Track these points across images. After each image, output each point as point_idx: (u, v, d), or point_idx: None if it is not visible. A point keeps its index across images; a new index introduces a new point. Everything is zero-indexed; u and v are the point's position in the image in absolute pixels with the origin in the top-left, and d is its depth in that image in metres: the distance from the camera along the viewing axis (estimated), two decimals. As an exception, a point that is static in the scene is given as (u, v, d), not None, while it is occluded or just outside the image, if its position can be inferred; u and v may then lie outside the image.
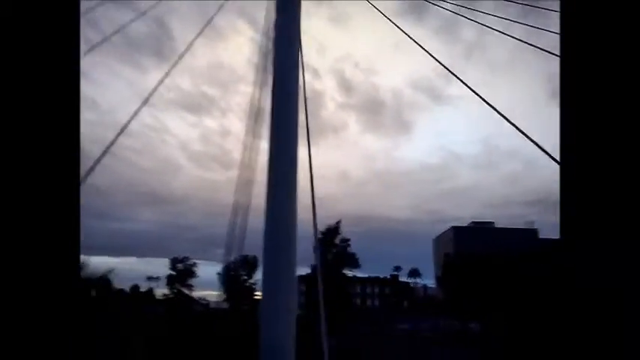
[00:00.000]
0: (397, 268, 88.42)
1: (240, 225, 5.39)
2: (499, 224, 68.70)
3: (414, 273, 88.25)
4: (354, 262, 62.61)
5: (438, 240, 77.37)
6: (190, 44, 6.55)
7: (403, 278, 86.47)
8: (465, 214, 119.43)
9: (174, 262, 62.32)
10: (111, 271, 56.63)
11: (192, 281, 63.00)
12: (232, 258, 5.36)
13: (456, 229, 71.20)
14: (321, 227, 59.63)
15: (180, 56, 6.21)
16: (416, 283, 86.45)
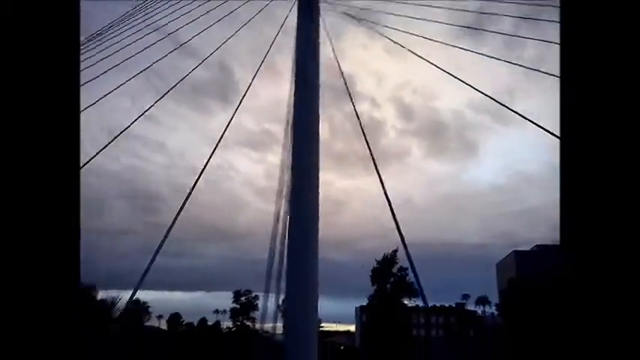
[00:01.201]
0: (465, 296, 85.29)
1: (277, 261, 5.32)
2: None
3: (483, 300, 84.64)
4: (412, 291, 61.21)
5: (500, 265, 74.13)
6: (249, 85, 6.87)
7: (471, 306, 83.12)
8: (536, 236, 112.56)
9: (237, 295, 64.71)
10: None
11: (256, 313, 64.79)
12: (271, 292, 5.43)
13: (518, 254, 67.94)
14: (379, 256, 59.15)
15: (242, 99, 6.53)
16: (484, 311, 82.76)
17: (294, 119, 5.72)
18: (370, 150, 5.26)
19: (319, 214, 5.31)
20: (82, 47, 8.19)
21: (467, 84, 6.18)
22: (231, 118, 6.06)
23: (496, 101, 5.88)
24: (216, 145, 5.56)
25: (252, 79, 6.92)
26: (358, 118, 5.96)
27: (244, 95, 6.61)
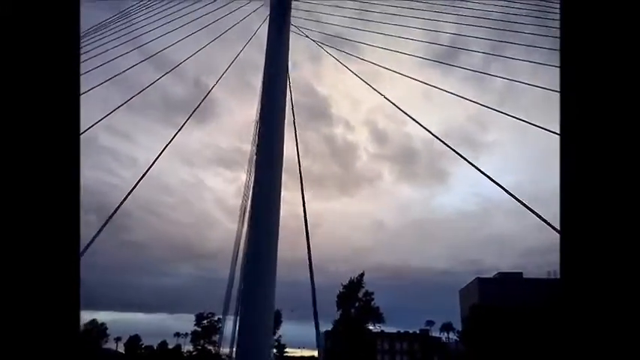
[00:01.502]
0: (429, 322, 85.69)
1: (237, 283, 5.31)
2: (530, 274, 66.40)
3: (447, 327, 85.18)
4: (377, 316, 60.81)
5: (463, 292, 75.13)
6: (206, 95, 7.24)
7: (436, 333, 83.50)
8: (505, 263, 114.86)
9: (199, 318, 63.15)
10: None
11: (218, 337, 63.22)
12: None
13: (481, 281, 69.10)
14: (345, 280, 58.82)
15: (192, 112, 6.65)
16: (448, 337, 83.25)
17: (258, 142, 5.79)
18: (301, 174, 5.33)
19: (278, 238, 5.24)
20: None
21: (413, 119, 6.46)
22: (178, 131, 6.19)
23: (441, 141, 6.07)
24: (160, 153, 5.71)
25: (212, 88, 7.33)
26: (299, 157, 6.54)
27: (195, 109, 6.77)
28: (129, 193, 4.83)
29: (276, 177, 5.62)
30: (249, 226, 5.34)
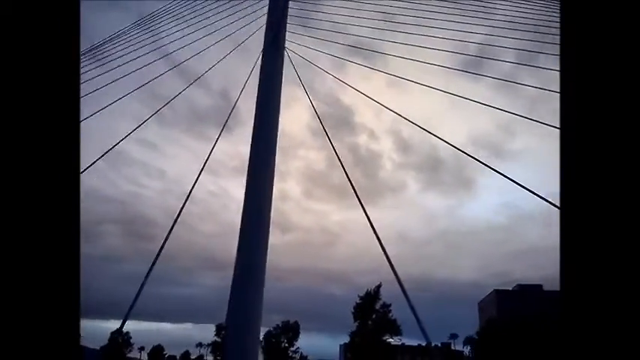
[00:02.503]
0: (453, 336, 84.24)
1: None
2: (554, 287, 64.98)
3: (470, 340, 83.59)
4: (395, 328, 59.72)
5: (482, 305, 74.02)
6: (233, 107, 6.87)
7: (459, 346, 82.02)
8: (533, 275, 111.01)
9: (219, 328, 63.82)
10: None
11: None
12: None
13: (499, 293, 68.11)
14: (362, 292, 58.40)
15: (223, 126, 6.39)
16: (470, 351, 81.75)
17: (250, 159, 6.02)
18: (352, 185, 5.13)
19: (267, 250, 5.45)
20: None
21: (431, 133, 6.15)
22: (214, 144, 6.15)
23: (464, 152, 5.75)
24: (201, 169, 5.60)
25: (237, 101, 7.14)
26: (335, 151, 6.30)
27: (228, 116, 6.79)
28: (175, 220, 4.70)
29: (267, 189, 5.89)
30: (239, 236, 5.52)
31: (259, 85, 6.87)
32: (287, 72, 7.37)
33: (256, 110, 6.61)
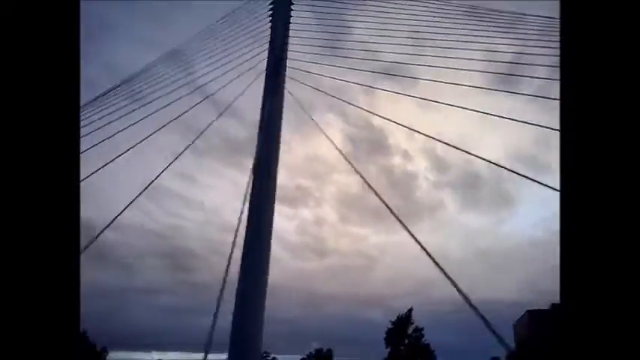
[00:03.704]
0: (495, 359, 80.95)
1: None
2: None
3: (506, 364, 79.60)
4: (428, 353, 58.14)
5: (517, 325, 71.59)
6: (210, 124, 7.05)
7: (500, 370, 78.54)
8: None
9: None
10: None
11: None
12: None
13: (532, 313, 65.90)
14: (394, 317, 56.93)
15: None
16: (510, 376, 77.75)
17: (252, 184, 6.06)
18: (389, 207, 4.85)
19: (267, 276, 5.53)
20: (114, 93, 8.68)
21: (464, 151, 5.78)
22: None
23: (500, 165, 5.43)
24: (244, 202, 5.55)
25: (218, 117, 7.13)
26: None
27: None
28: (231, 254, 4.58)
29: (267, 212, 6.03)
30: (240, 265, 5.51)
31: (260, 119, 6.98)
32: (317, 100, 7.37)
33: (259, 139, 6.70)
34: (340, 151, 6.24)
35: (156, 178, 5.68)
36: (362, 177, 5.50)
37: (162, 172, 5.84)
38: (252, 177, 6.06)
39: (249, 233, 5.69)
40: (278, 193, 6.35)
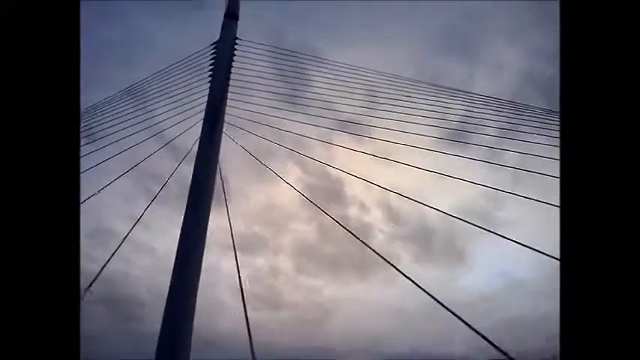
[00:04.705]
0: None
1: None
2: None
3: None
4: None
5: (469, 381, 70.18)
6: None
7: None
8: (527, 347, 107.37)
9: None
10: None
11: None
12: None
13: (484, 368, 65.15)
14: None
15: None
16: None
17: (182, 228, 6.06)
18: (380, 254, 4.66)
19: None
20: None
21: (420, 202, 5.66)
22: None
23: (456, 217, 5.15)
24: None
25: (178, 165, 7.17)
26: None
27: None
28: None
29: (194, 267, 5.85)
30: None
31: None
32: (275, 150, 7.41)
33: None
34: (302, 193, 6.25)
35: (122, 241, 5.70)
36: (336, 220, 5.28)
37: (128, 233, 5.88)
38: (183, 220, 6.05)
39: (174, 277, 5.48)
40: (235, 240, 6.17)
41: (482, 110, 8.56)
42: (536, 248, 4.01)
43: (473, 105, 8.93)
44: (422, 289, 4.06)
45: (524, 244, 4.22)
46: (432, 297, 3.87)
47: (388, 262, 4.29)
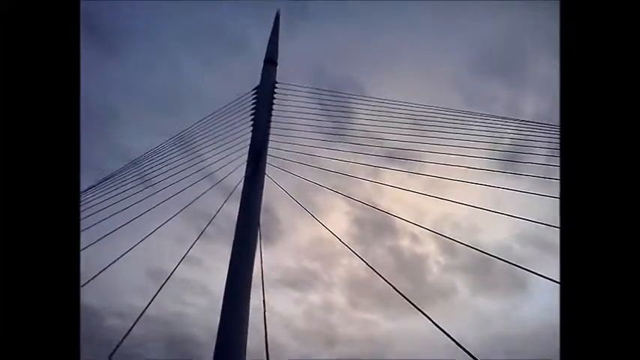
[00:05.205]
0: None
1: None
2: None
3: None
4: None
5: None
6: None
7: None
8: None
9: None
10: None
11: None
12: None
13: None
14: None
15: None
16: None
17: (229, 270, 6.29)
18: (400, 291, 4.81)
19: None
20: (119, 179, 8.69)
21: (472, 247, 5.57)
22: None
23: (508, 262, 5.04)
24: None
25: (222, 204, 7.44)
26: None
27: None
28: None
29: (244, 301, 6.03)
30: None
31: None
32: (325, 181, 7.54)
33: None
34: (338, 238, 6.38)
35: (171, 274, 5.88)
36: (367, 263, 5.44)
37: (177, 267, 6.07)
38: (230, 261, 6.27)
39: (223, 315, 5.66)
40: (285, 276, 6.26)
41: (532, 136, 8.40)
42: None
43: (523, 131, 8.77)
44: (442, 329, 4.11)
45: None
46: (452, 338, 3.95)
47: (410, 302, 4.39)
